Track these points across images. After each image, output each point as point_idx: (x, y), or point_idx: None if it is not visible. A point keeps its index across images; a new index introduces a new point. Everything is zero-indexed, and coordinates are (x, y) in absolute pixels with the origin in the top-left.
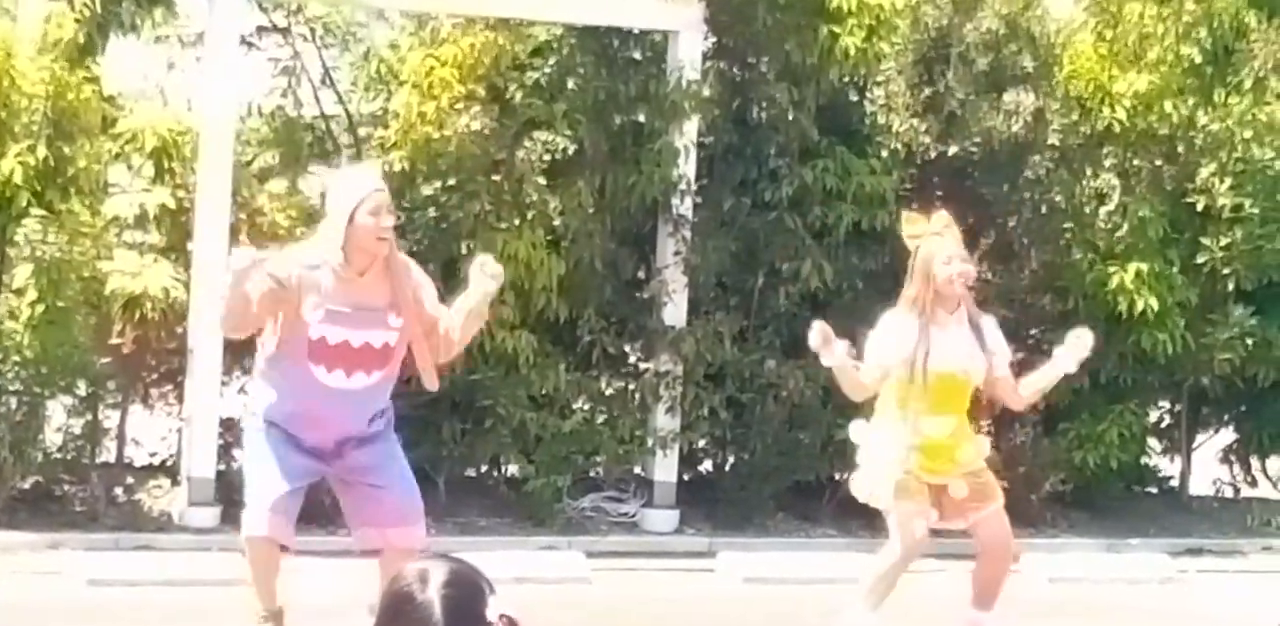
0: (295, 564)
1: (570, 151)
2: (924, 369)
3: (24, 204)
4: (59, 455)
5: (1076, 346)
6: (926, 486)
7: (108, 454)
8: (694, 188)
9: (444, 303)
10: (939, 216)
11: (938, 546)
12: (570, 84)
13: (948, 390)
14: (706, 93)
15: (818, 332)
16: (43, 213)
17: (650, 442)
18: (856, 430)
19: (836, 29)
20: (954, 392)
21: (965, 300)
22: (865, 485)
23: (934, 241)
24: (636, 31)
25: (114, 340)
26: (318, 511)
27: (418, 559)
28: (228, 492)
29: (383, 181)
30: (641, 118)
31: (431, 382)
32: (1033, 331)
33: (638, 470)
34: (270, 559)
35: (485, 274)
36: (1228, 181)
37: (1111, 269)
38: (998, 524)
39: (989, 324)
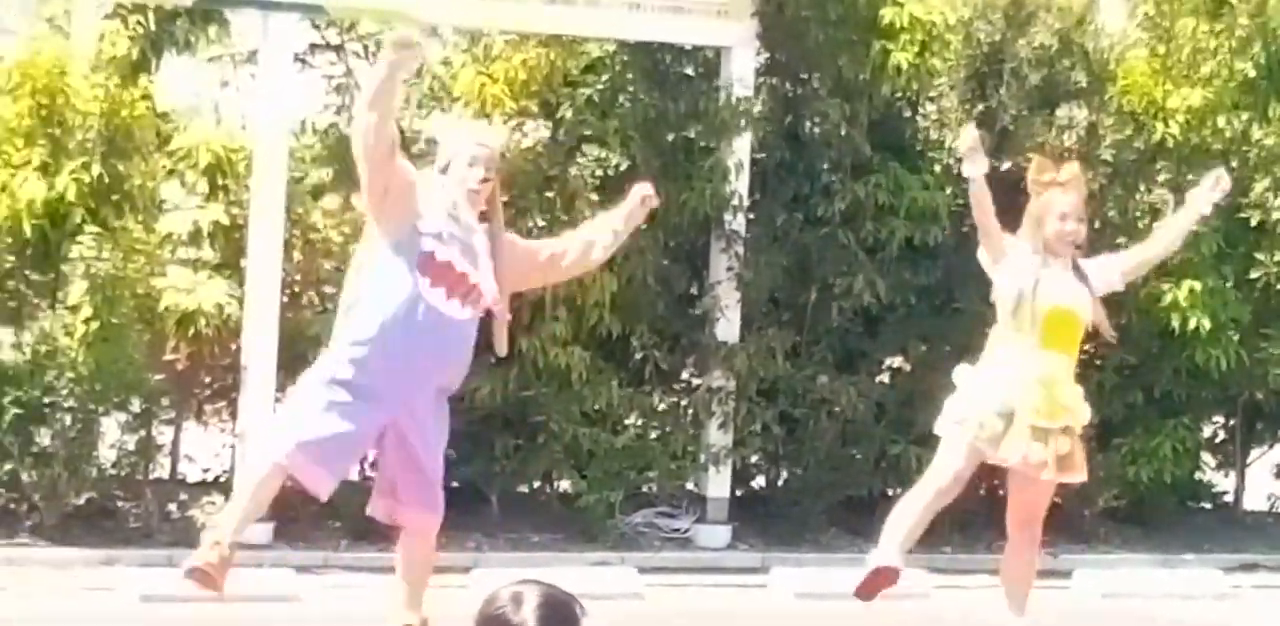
0: (349, 579)
1: (622, 167)
2: (1034, 299)
3: (78, 221)
4: (113, 471)
5: (1214, 187)
6: (1034, 428)
7: (161, 470)
8: (746, 203)
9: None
10: (1070, 167)
11: (989, 562)
12: (622, 100)
13: (1058, 325)
14: (758, 109)
15: (971, 138)
16: (97, 230)
17: (703, 458)
18: (961, 371)
19: (889, 45)
20: (1065, 328)
21: (1067, 255)
22: (957, 417)
23: (1055, 193)
24: (688, 48)
25: (168, 356)
26: (371, 528)
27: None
28: (281, 508)
29: (490, 137)
30: (693, 134)
31: (501, 347)
32: (1086, 348)
33: (690, 486)
34: (272, 490)
35: (643, 206)
36: None
37: (1165, 285)
38: (1045, 498)
39: (1090, 264)
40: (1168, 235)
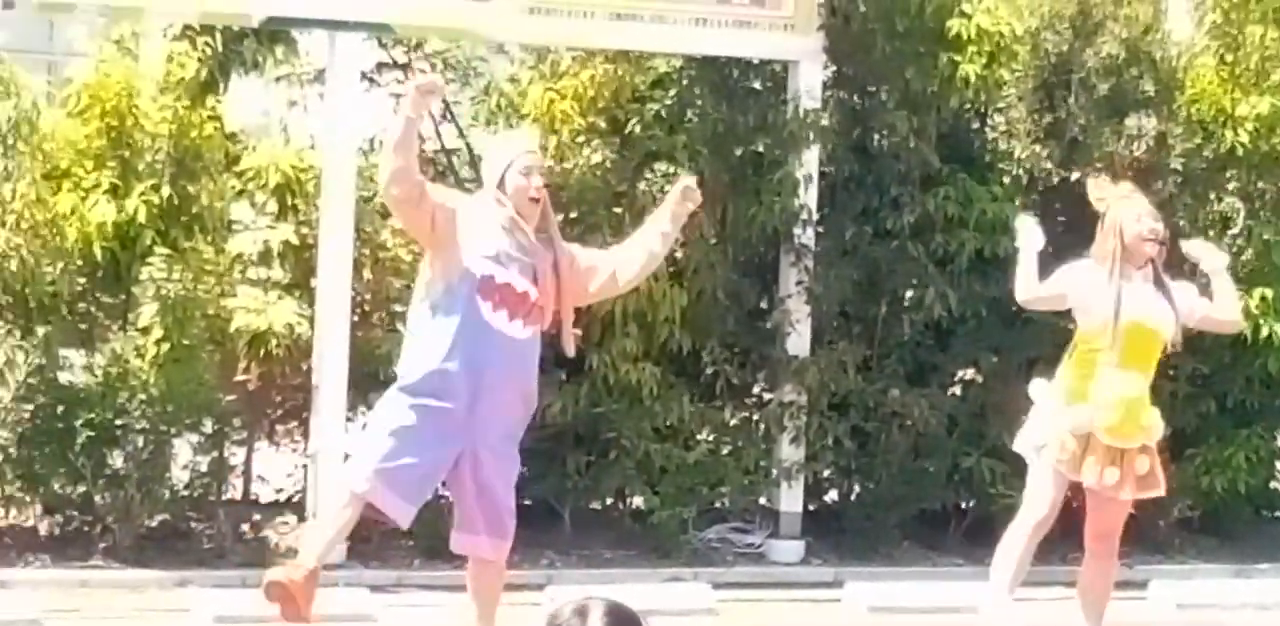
0: (423, 598)
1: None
2: (1115, 318)
3: (148, 243)
4: (186, 492)
5: (1203, 254)
6: (1108, 449)
7: (234, 491)
8: (815, 217)
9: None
10: (1124, 185)
11: (1063, 574)
12: (690, 115)
13: (1138, 343)
14: (826, 122)
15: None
16: (167, 251)
17: (775, 473)
18: (1036, 387)
19: (956, 56)
20: (1144, 346)
21: (1155, 259)
22: (1035, 438)
23: (1124, 202)
24: (756, 62)
25: (239, 377)
26: (444, 547)
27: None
28: (355, 528)
29: (534, 142)
30: (761, 148)
31: (569, 346)
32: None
33: (763, 501)
34: (352, 519)
35: (686, 199)
36: None
37: (1237, 293)
38: (1122, 513)
39: (1178, 286)
40: (1223, 310)
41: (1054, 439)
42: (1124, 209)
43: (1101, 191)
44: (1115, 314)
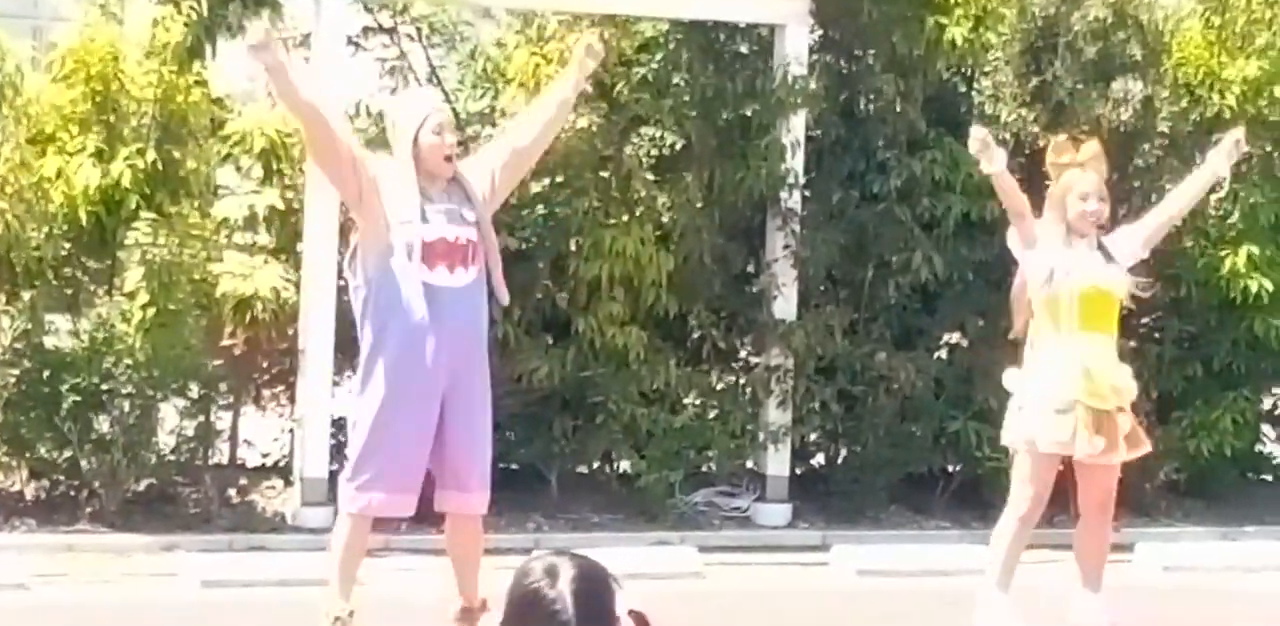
0: (411, 562)
1: (678, 147)
2: (1066, 282)
3: (133, 207)
4: (172, 457)
5: (1231, 147)
6: (1092, 413)
7: (220, 455)
8: (802, 181)
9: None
10: (1089, 146)
11: (1052, 536)
12: (677, 79)
13: (1096, 306)
14: (813, 86)
15: (978, 139)
16: (153, 216)
17: (762, 437)
18: (1010, 377)
19: (943, 20)
20: (1102, 309)
21: (1089, 232)
22: (1023, 428)
23: (1074, 173)
24: (743, 26)
25: (225, 342)
26: (430, 511)
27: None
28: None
29: (438, 99)
30: (749, 112)
31: (503, 295)
32: (1145, 320)
33: (750, 464)
34: (362, 538)
35: (589, 54)
36: None
37: (1223, 253)
38: (1112, 478)
39: (1113, 238)
40: (1183, 197)
41: (1040, 430)
42: (1073, 183)
43: (1060, 156)
44: (1066, 277)
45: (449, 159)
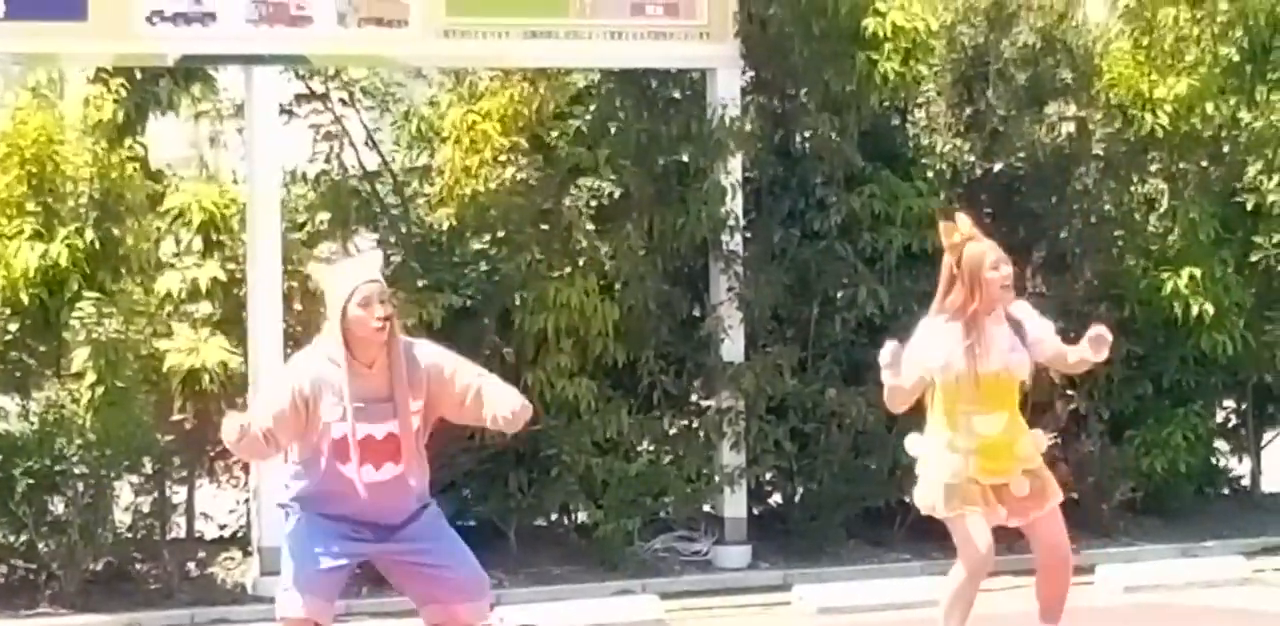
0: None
1: (616, 196)
2: (975, 371)
3: (76, 287)
4: (129, 534)
5: (1097, 345)
6: (989, 489)
7: (178, 529)
8: (743, 223)
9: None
10: (962, 219)
11: (1012, 562)
12: (612, 128)
13: (996, 388)
14: (748, 127)
15: (889, 352)
16: (95, 294)
17: (717, 479)
18: (912, 443)
19: (874, 55)
20: (1003, 390)
21: (1006, 301)
22: (926, 495)
23: (975, 247)
24: (674, 71)
25: (176, 416)
26: None
27: None
28: None
29: (378, 272)
30: (685, 157)
31: (420, 481)
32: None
33: (707, 508)
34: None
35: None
36: (1276, 178)
37: (1165, 274)
38: (1055, 524)
39: (1023, 311)
40: (1061, 360)
41: (945, 495)
42: (980, 256)
43: (953, 237)
44: (970, 367)
45: (379, 329)
